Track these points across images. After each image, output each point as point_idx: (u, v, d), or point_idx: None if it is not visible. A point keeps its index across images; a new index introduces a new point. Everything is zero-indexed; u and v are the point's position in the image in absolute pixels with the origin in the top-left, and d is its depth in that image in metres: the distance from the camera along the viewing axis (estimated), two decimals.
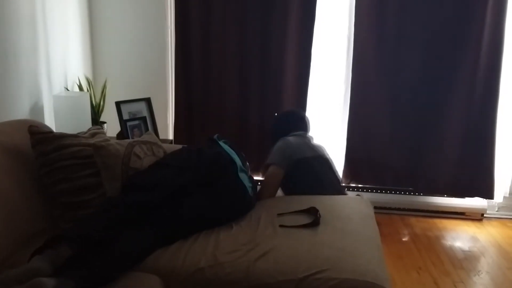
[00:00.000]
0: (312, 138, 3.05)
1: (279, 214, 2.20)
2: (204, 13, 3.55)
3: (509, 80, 3.56)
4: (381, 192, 3.84)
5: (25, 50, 2.68)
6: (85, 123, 2.87)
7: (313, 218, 2.12)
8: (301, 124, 3.11)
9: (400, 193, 3.83)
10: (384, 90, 3.61)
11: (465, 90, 3.53)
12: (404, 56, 3.54)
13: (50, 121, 2.94)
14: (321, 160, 2.87)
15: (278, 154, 2.78)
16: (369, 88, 3.62)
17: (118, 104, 3.17)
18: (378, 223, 2.34)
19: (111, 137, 2.67)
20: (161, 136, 3.46)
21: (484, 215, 3.77)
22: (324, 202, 2.35)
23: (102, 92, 3.33)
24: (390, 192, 3.84)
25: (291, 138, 2.88)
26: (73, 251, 1.75)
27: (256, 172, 3.73)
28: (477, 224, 3.68)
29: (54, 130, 2.49)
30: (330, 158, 2.98)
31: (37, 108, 2.84)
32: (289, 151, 2.78)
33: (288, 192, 2.80)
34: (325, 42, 3.68)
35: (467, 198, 3.76)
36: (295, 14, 3.51)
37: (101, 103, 3.31)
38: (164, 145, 2.59)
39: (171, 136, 3.79)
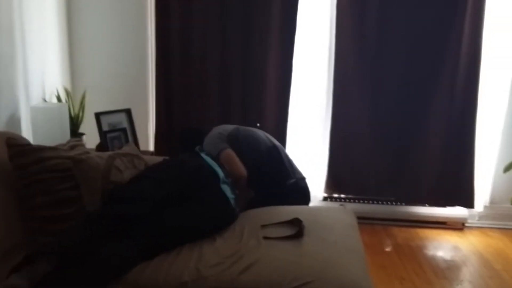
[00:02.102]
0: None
1: (263, 226, 2.18)
2: (185, 23, 3.53)
3: (487, 91, 3.62)
4: (363, 202, 3.85)
5: (2, 60, 2.63)
6: (63, 135, 2.82)
7: (297, 229, 2.11)
8: (202, 131, 3.16)
9: (382, 203, 3.85)
10: (365, 102, 3.64)
11: (444, 100, 3.58)
12: (385, 68, 3.58)
13: (27, 133, 2.88)
14: (240, 130, 3.02)
15: (214, 144, 2.85)
16: (350, 99, 3.64)
17: (97, 115, 3.12)
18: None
19: (90, 149, 2.63)
20: (142, 148, 3.42)
21: (465, 224, 3.80)
22: (307, 213, 2.34)
23: (81, 103, 3.29)
24: (372, 202, 3.86)
25: (209, 133, 3.00)
26: (52, 266, 1.71)
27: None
28: (458, 233, 3.70)
29: (32, 142, 2.43)
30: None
31: (14, 120, 2.78)
32: (217, 135, 2.92)
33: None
34: (306, 53, 3.70)
35: (448, 208, 3.79)
36: (277, 26, 3.52)
37: (80, 114, 3.26)
38: (145, 157, 2.55)
39: (152, 148, 3.75)
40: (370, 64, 3.58)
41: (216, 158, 2.74)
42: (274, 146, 3.00)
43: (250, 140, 2.97)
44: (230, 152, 2.80)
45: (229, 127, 3.03)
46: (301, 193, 2.98)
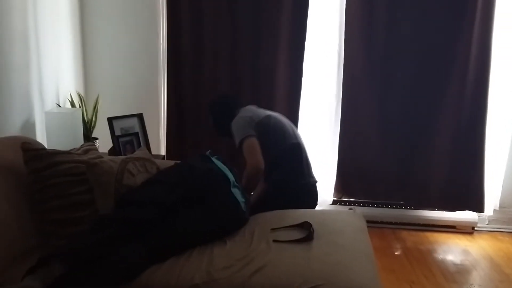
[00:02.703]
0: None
1: (273, 229, 2.20)
2: (196, 30, 3.57)
3: (497, 94, 3.61)
4: (372, 206, 3.86)
5: (17, 66, 2.68)
6: (77, 140, 2.87)
7: (307, 232, 2.12)
8: (238, 101, 3.15)
9: (391, 207, 3.86)
10: (374, 106, 3.65)
11: (454, 104, 3.58)
12: (394, 71, 3.59)
13: (42, 138, 2.93)
14: (270, 120, 2.94)
15: (242, 127, 2.83)
16: (359, 103, 3.66)
17: (110, 120, 3.16)
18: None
19: (103, 153, 2.67)
20: (154, 152, 3.46)
21: (475, 228, 3.79)
22: (317, 216, 2.36)
23: (94, 108, 3.33)
24: (382, 206, 3.86)
25: (242, 113, 2.95)
26: (65, 269, 1.74)
27: None
28: (468, 237, 3.70)
29: (46, 146, 2.47)
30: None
31: (29, 125, 2.83)
32: (247, 119, 2.85)
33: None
34: (316, 57, 3.72)
35: (458, 212, 3.79)
36: (286, 30, 3.55)
37: (93, 119, 3.30)
38: (157, 161, 2.58)
39: (163, 152, 3.79)
40: (379, 68, 3.59)
41: (239, 143, 2.79)
42: (299, 144, 2.96)
43: (278, 133, 2.92)
44: (254, 142, 2.77)
45: (261, 113, 2.96)
46: (309, 196, 2.97)
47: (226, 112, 3.03)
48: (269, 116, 2.95)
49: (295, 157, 2.92)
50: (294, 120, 3.64)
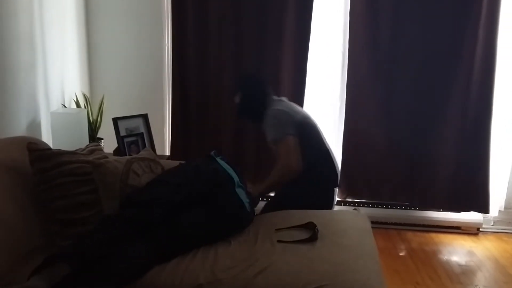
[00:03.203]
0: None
1: (277, 229, 2.20)
2: (201, 31, 3.59)
3: (502, 95, 3.61)
4: (377, 207, 3.86)
5: (23, 67, 2.70)
6: (82, 140, 2.88)
7: (311, 233, 2.13)
8: (270, 89, 3.07)
9: (396, 208, 3.85)
10: (379, 107, 3.64)
11: (459, 104, 3.58)
12: (398, 72, 3.59)
13: (47, 138, 2.94)
14: (310, 122, 2.93)
15: (282, 125, 2.76)
16: (364, 104, 3.66)
17: (115, 120, 3.18)
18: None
19: (108, 154, 2.68)
20: (158, 152, 3.46)
21: (480, 229, 3.79)
22: (321, 217, 2.36)
23: (99, 108, 3.35)
24: (387, 207, 3.86)
25: (279, 105, 2.89)
26: (70, 269, 1.75)
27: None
28: (473, 238, 3.69)
29: (51, 146, 2.48)
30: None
31: (35, 125, 2.85)
32: (287, 116, 2.80)
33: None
34: (320, 58, 3.72)
35: (463, 213, 3.78)
36: (291, 31, 3.55)
37: (98, 119, 3.32)
38: (162, 161, 2.59)
39: (168, 152, 3.80)
40: (383, 69, 3.59)
41: (276, 140, 2.74)
42: (329, 150, 2.94)
43: (316, 136, 2.89)
44: (293, 141, 2.71)
45: (297, 112, 2.90)
46: (331, 203, 2.99)
47: (259, 96, 2.96)
48: (307, 118, 2.92)
49: (328, 163, 2.91)
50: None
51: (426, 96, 3.59)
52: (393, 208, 3.85)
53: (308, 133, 2.84)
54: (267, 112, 2.86)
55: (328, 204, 2.93)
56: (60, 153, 2.15)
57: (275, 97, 3.01)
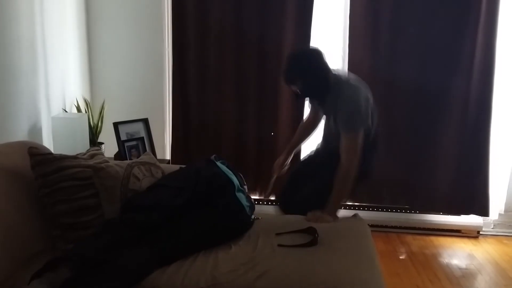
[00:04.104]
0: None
1: (277, 234, 2.21)
2: (201, 35, 3.60)
3: (502, 98, 3.61)
4: (377, 210, 3.85)
5: (25, 71, 2.71)
6: (83, 144, 2.89)
7: (311, 237, 2.14)
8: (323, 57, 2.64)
9: (396, 211, 3.85)
10: (379, 110, 3.63)
11: (458, 107, 3.58)
12: (399, 75, 3.59)
13: (48, 143, 2.95)
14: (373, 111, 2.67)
15: (363, 118, 2.54)
16: None
17: (116, 125, 3.19)
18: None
19: (109, 158, 2.69)
20: (159, 156, 3.48)
21: (480, 233, 3.79)
22: None
23: (100, 113, 3.36)
24: (387, 210, 3.86)
25: (360, 87, 2.61)
26: (72, 273, 1.76)
27: (253, 191, 3.75)
28: (473, 241, 3.69)
29: (52, 151, 2.49)
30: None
31: (36, 130, 2.86)
32: (368, 105, 2.57)
33: None
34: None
35: (462, 216, 3.78)
36: (291, 34, 3.56)
37: (99, 124, 3.33)
38: (162, 165, 2.60)
39: (168, 156, 3.81)
40: (383, 72, 3.59)
41: (349, 130, 2.53)
42: (376, 141, 2.79)
43: (374, 120, 2.67)
44: (361, 135, 2.51)
45: (369, 102, 2.59)
46: None
47: (323, 73, 2.58)
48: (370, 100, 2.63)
49: (375, 147, 2.79)
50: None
51: (426, 99, 3.60)
52: (393, 212, 3.85)
53: (372, 121, 2.64)
54: (344, 92, 2.54)
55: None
56: (61, 157, 2.16)
57: (347, 78, 2.70)
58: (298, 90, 2.62)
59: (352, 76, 2.78)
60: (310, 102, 2.89)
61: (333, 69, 2.65)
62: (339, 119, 2.56)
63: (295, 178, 2.96)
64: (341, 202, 2.71)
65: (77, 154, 2.38)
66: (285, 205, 2.96)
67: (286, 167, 3.02)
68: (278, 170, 2.99)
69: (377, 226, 3.73)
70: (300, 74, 2.58)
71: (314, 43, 3.60)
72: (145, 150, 3.29)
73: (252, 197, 2.86)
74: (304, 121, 3.10)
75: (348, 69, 3.61)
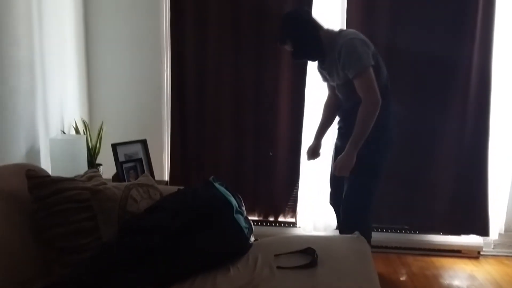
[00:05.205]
0: None
1: (276, 255, 2.19)
2: (200, 56, 3.62)
3: (500, 115, 3.62)
4: (377, 230, 3.83)
5: (23, 93, 2.71)
6: (81, 166, 2.88)
7: (310, 258, 2.12)
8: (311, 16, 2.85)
9: (396, 232, 3.83)
10: None
11: (456, 126, 3.59)
12: (396, 95, 3.58)
13: (46, 164, 2.95)
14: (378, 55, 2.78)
15: (364, 57, 2.59)
16: None
17: (114, 146, 3.19)
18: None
19: (107, 179, 2.68)
20: (157, 177, 3.47)
21: (481, 253, 3.76)
22: (320, 242, 2.34)
23: (99, 134, 3.36)
24: (386, 231, 3.84)
25: (353, 34, 2.70)
26: None
27: (252, 212, 3.73)
28: (474, 262, 3.67)
29: (50, 173, 2.49)
30: None
31: (34, 152, 2.85)
32: (366, 45, 2.65)
33: None
34: (317, 77, 3.72)
35: (463, 236, 3.76)
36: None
37: (97, 145, 3.33)
38: (160, 187, 2.59)
39: (166, 177, 3.80)
40: None
41: (357, 74, 2.59)
42: (390, 89, 2.84)
43: (384, 68, 2.75)
44: (372, 73, 2.56)
45: (368, 44, 2.68)
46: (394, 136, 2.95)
47: (313, 33, 2.72)
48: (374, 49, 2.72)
49: (390, 97, 2.82)
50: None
51: (424, 118, 3.59)
52: (393, 232, 3.83)
53: (379, 65, 2.69)
54: (339, 42, 2.64)
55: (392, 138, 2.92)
56: (58, 180, 2.15)
57: (343, 30, 2.81)
58: (292, 50, 2.77)
59: (349, 29, 2.85)
60: (318, 70, 3.00)
61: (325, 27, 2.77)
62: (343, 67, 2.63)
63: (334, 179, 3.12)
64: (361, 141, 2.70)
65: (75, 176, 2.37)
66: (337, 206, 3.12)
67: (319, 156, 3.16)
68: (311, 157, 3.15)
69: (377, 246, 3.70)
70: (289, 33, 2.74)
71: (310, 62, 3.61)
72: (143, 171, 3.28)
73: (250, 218, 2.85)
74: (325, 101, 3.20)
75: None
